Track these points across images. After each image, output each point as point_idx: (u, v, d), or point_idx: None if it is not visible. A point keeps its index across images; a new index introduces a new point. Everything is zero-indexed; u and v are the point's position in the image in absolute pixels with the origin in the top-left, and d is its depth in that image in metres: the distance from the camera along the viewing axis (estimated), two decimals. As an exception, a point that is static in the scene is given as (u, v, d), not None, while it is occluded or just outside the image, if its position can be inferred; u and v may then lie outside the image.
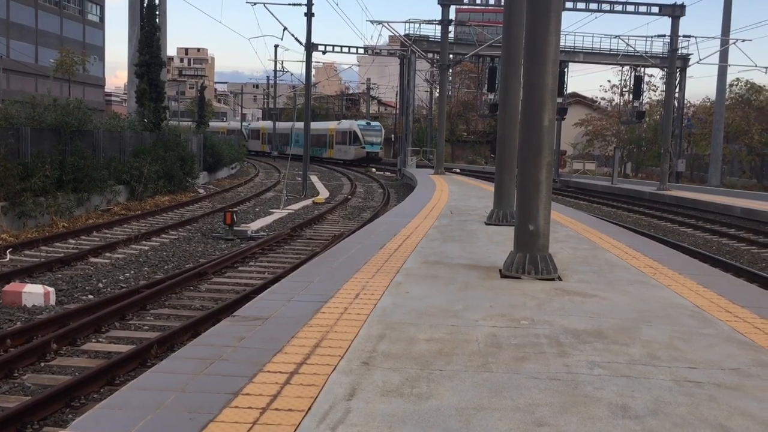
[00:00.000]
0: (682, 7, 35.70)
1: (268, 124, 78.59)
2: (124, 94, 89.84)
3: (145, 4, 30.36)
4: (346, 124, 62.29)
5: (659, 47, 39.41)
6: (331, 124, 65.40)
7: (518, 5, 12.34)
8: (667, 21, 36.10)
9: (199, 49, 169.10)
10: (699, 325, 5.86)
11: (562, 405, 3.95)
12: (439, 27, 36.60)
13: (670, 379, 4.46)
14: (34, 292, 10.10)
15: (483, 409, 3.86)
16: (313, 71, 36.66)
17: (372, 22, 35.36)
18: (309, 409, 3.80)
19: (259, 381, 4.22)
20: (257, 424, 3.59)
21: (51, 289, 10.41)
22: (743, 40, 34.92)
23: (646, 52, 39.14)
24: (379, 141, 58.25)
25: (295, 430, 3.53)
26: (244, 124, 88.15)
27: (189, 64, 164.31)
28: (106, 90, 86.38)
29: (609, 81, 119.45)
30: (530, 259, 7.82)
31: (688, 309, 6.47)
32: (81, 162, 20.65)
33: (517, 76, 12.04)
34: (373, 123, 61.47)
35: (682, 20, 36.03)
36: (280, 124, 74.70)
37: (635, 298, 6.92)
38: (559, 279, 7.76)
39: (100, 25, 77.87)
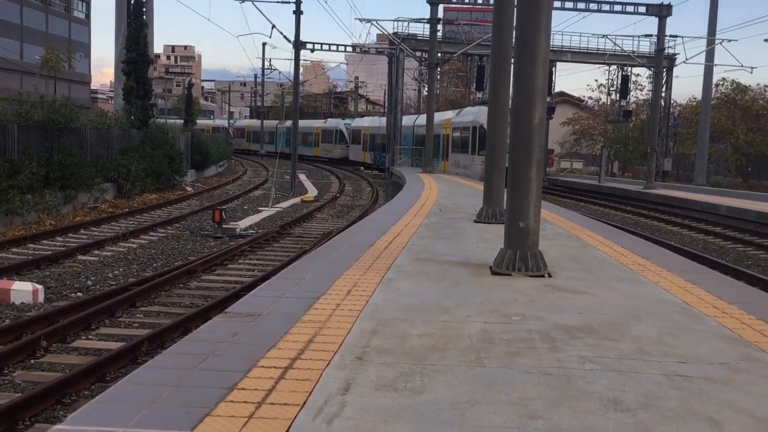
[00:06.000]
0: (669, 7, 35.92)
1: (370, 121, 55.63)
2: (110, 91, 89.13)
3: (132, 1, 30.22)
4: (469, 113, 35.36)
5: (646, 47, 39.62)
6: (448, 114, 40.20)
7: (508, 3, 12.39)
8: (654, 21, 36.32)
9: (186, 47, 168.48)
10: (688, 321, 5.93)
11: (555, 399, 3.99)
12: (427, 25, 36.62)
13: (660, 373, 4.52)
14: (23, 290, 10.06)
15: (477, 402, 3.90)
16: (301, 69, 36.58)
17: (361, 20, 35.33)
18: (304, 403, 3.82)
19: (253, 376, 4.23)
20: (253, 418, 3.60)
21: (39, 287, 10.36)
22: (729, 41, 35.15)
23: (633, 52, 39.34)
24: None
25: (291, 423, 3.54)
26: (345, 121, 62.51)
27: (176, 61, 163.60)
28: (91, 87, 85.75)
29: (596, 80, 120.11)
30: (520, 256, 7.87)
31: (676, 305, 6.54)
32: (68, 159, 20.56)
33: (507, 74, 12.08)
34: None
35: (669, 20, 36.28)
36: (374, 121, 51.61)
37: (624, 294, 6.98)
38: (549, 276, 7.82)
39: (86, 22, 77.31)
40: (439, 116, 39.56)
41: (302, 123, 68.68)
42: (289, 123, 73.25)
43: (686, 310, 6.33)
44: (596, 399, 4.01)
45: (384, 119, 47.36)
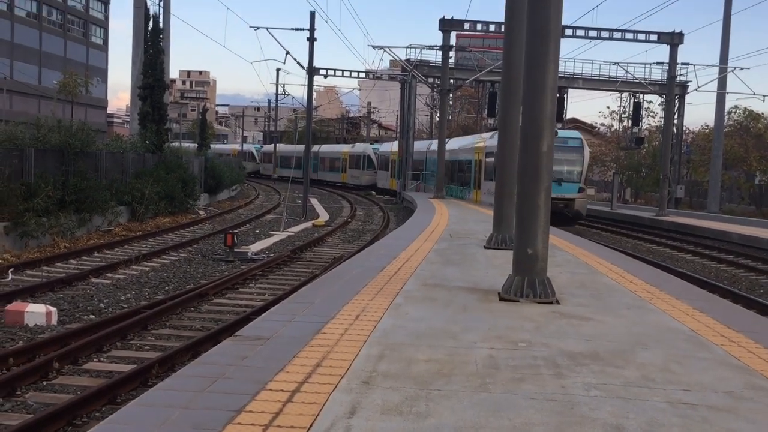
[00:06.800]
0: (681, 35, 36.10)
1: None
2: (126, 115, 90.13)
3: (149, 28, 30.74)
4: None
5: (658, 74, 39.77)
6: (480, 139, 33.89)
7: (518, 32, 12.54)
8: (665, 48, 36.51)
9: (201, 72, 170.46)
10: (694, 349, 5.95)
11: (558, 425, 4.03)
12: (439, 52, 36.99)
13: (665, 401, 4.54)
14: (36, 312, 10.18)
15: (481, 427, 3.94)
16: (315, 94, 36.93)
17: (373, 47, 35.98)
18: (311, 426, 3.88)
19: (261, 399, 4.30)
20: (260, 441, 3.67)
21: (53, 309, 10.49)
22: (741, 68, 35.24)
23: (645, 79, 39.49)
24: (578, 172, 28.36)
25: (297, 446, 3.60)
26: (373, 146, 56.17)
27: (191, 86, 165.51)
28: (108, 111, 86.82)
29: (608, 107, 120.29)
30: (528, 283, 7.91)
31: (683, 333, 6.56)
32: (83, 183, 20.82)
33: (517, 101, 12.20)
34: (565, 133, 28.80)
35: (681, 48, 36.44)
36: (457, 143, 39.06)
37: (632, 321, 7.00)
38: (557, 302, 7.85)
39: (104, 47, 78.64)
40: (470, 140, 36.24)
41: (329, 147, 65.55)
42: (323, 147, 65.79)
43: (693, 338, 6.35)
44: (599, 425, 4.04)
45: (415, 144, 43.85)
